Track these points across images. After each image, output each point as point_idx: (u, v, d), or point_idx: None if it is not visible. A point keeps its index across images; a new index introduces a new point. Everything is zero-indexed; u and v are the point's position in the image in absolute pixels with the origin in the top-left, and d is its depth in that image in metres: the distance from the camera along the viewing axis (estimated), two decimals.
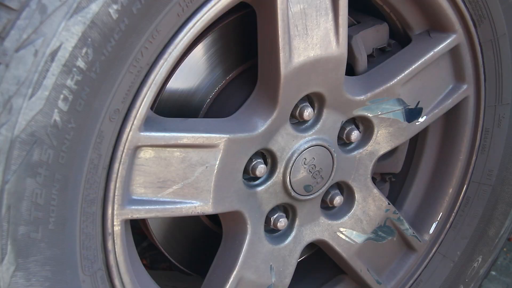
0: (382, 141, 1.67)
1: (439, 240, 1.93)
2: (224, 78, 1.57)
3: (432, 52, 1.68)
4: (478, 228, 1.93)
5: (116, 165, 1.28)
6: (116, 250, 1.34)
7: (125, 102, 1.24)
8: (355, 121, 1.63)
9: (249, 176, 1.51)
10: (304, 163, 1.54)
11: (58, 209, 1.20)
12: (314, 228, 1.65)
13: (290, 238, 1.62)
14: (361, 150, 1.65)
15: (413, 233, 1.86)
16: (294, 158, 1.52)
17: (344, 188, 1.70)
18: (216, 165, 1.41)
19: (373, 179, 1.78)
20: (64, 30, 1.11)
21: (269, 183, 1.52)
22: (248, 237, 1.54)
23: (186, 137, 1.36)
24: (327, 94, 1.51)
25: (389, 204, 1.77)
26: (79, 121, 1.17)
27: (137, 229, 1.82)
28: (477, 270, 1.96)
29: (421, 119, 1.72)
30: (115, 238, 1.33)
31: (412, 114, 1.70)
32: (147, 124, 1.30)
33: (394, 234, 1.83)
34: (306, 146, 1.52)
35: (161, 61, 1.26)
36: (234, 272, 1.54)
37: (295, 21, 1.39)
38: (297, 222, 1.62)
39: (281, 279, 1.63)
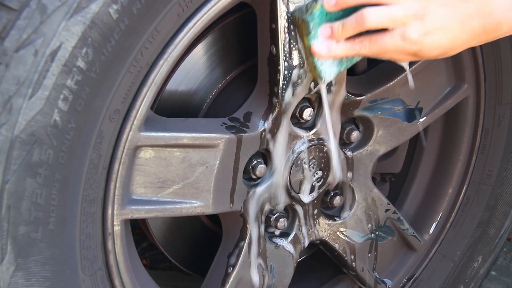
0: (382, 141, 1.67)
1: (439, 240, 1.93)
2: (224, 78, 1.57)
3: None
4: (478, 228, 1.93)
5: (116, 165, 1.28)
6: (116, 250, 1.34)
7: (125, 102, 1.24)
8: (355, 121, 1.63)
9: (249, 176, 1.50)
10: (304, 163, 1.54)
11: (58, 209, 1.20)
12: (314, 228, 1.65)
13: (290, 238, 1.62)
14: (361, 150, 1.65)
15: (413, 233, 1.86)
16: (294, 158, 1.52)
17: (344, 188, 1.70)
18: (216, 165, 1.41)
19: (373, 179, 1.78)
20: (64, 30, 1.11)
21: (269, 183, 1.52)
22: (248, 237, 1.54)
23: (186, 137, 1.36)
24: (327, 94, 1.51)
25: (389, 204, 1.77)
26: (79, 121, 1.17)
27: (137, 229, 1.82)
28: (477, 270, 1.96)
29: (421, 119, 1.72)
30: (115, 238, 1.33)
31: (412, 114, 1.70)
32: (147, 124, 1.30)
33: (394, 234, 1.82)
34: (306, 146, 1.52)
35: (161, 61, 1.26)
36: (234, 272, 1.54)
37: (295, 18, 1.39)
38: (297, 222, 1.62)
39: (281, 279, 1.63)
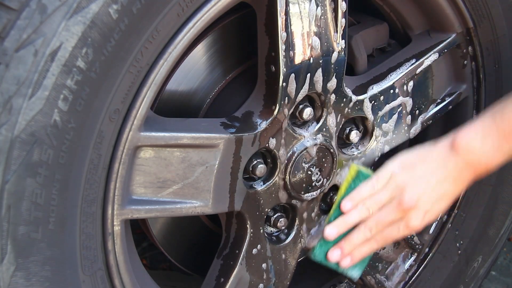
0: (382, 141, 1.66)
1: (439, 240, 1.92)
2: (224, 78, 1.57)
3: (432, 52, 1.68)
4: (478, 228, 1.93)
5: (116, 165, 1.28)
6: (116, 250, 1.34)
7: (125, 102, 1.24)
8: (355, 121, 1.63)
9: (249, 175, 1.50)
10: (304, 163, 1.54)
11: (58, 209, 1.20)
12: (314, 228, 1.65)
13: (290, 238, 1.62)
14: (360, 150, 1.65)
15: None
16: (294, 158, 1.52)
17: None
18: (216, 165, 1.41)
19: None
20: (64, 30, 1.11)
21: (269, 183, 1.52)
22: (248, 237, 1.54)
23: (186, 137, 1.36)
24: (327, 92, 1.51)
25: None
26: (79, 121, 1.17)
27: (137, 229, 1.82)
28: (477, 270, 1.96)
29: (421, 119, 1.72)
30: (115, 238, 1.33)
31: (412, 114, 1.70)
32: (147, 124, 1.30)
33: None
34: (306, 146, 1.52)
35: (161, 61, 1.26)
36: (234, 272, 1.54)
37: (294, 21, 1.39)
38: (297, 222, 1.62)
39: (281, 279, 1.63)
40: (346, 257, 1.48)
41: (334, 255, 1.49)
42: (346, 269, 1.53)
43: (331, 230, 1.47)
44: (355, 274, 1.56)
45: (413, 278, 1.92)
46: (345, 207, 1.46)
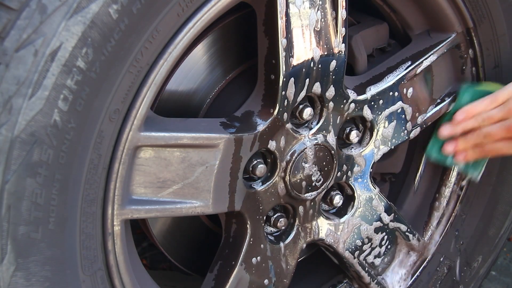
0: (382, 141, 1.67)
1: (439, 240, 1.92)
2: (224, 78, 1.57)
3: (432, 52, 1.68)
4: (478, 228, 1.93)
5: (116, 165, 1.28)
6: (116, 250, 1.34)
7: (125, 102, 1.24)
8: (355, 121, 1.63)
9: (249, 175, 1.50)
10: (304, 163, 1.54)
11: (58, 209, 1.20)
12: (314, 228, 1.65)
13: (290, 238, 1.62)
14: (360, 150, 1.65)
15: (413, 233, 1.86)
16: (294, 158, 1.52)
17: (344, 188, 1.70)
18: (216, 165, 1.41)
19: (373, 179, 1.77)
20: (64, 30, 1.11)
21: (269, 183, 1.52)
22: (248, 237, 1.54)
23: (186, 137, 1.36)
24: (327, 94, 1.51)
25: (389, 204, 1.77)
26: (79, 121, 1.17)
27: (137, 229, 1.82)
28: (477, 270, 1.96)
29: (421, 119, 1.72)
30: (115, 238, 1.33)
31: (412, 114, 1.70)
32: (147, 124, 1.30)
33: (394, 234, 1.82)
34: (306, 146, 1.52)
35: (161, 61, 1.26)
36: (234, 272, 1.54)
37: (294, 21, 1.39)
38: (297, 222, 1.62)
39: (281, 279, 1.63)
40: (460, 153, 1.58)
41: (448, 148, 1.59)
42: (465, 168, 1.66)
43: (445, 128, 1.56)
44: (475, 174, 1.72)
45: (413, 278, 1.92)
46: (458, 117, 1.56)
